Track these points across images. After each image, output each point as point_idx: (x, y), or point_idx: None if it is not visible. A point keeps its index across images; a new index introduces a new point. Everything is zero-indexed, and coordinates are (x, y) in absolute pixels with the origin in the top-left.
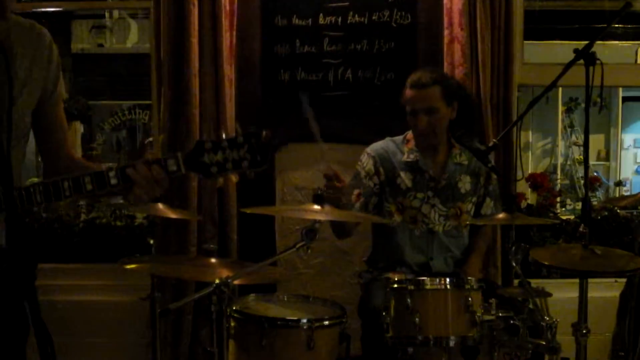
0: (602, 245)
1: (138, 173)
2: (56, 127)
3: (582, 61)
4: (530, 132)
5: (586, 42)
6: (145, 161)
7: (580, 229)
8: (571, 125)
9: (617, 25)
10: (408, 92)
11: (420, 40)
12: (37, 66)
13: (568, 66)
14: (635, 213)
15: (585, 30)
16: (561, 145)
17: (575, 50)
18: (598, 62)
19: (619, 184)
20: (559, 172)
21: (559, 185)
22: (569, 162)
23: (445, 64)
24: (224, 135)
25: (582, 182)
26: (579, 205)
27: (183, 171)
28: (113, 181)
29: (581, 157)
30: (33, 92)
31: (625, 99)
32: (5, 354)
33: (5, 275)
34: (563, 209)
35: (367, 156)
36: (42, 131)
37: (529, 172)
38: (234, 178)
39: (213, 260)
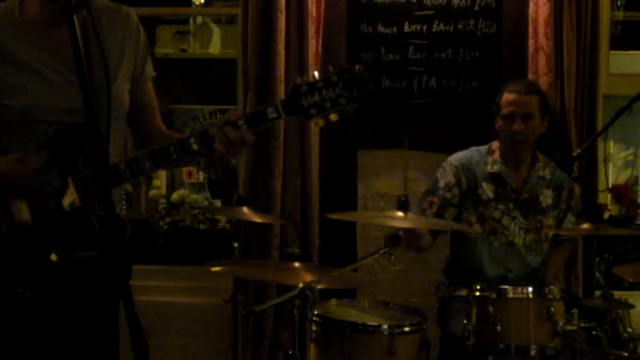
0: None
1: (220, 135)
2: (145, 105)
3: None
4: (611, 143)
5: None
6: (228, 121)
7: None
8: None
9: None
10: (507, 96)
11: (505, 50)
12: (129, 46)
13: None
14: None
15: None
16: None
17: None
18: None
19: None
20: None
21: None
22: None
23: (530, 73)
24: (317, 76)
25: None
26: None
27: (284, 117)
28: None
29: None
30: (128, 72)
31: None
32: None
33: (102, 273)
34: None
35: (450, 166)
36: (132, 109)
37: (611, 183)
38: (333, 118)
39: (296, 264)
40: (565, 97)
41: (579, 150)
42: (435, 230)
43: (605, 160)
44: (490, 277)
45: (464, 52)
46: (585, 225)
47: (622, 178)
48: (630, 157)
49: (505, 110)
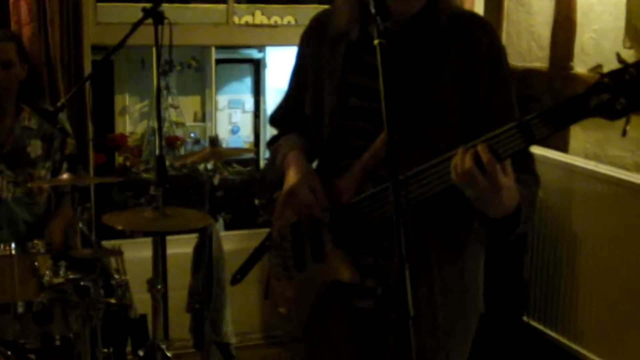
0: (182, 203)
1: None
2: None
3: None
4: (127, 96)
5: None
6: None
7: (151, 192)
8: (167, 88)
9: None
10: None
11: None
12: None
13: (136, 25)
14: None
15: None
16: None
17: (143, 9)
18: (167, 21)
19: (214, 143)
20: (156, 134)
21: (156, 147)
22: (166, 124)
23: (12, 22)
24: None
25: (179, 143)
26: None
27: None
28: None
29: (178, 118)
30: None
31: (218, 61)
32: None
33: None
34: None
35: None
36: None
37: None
38: None
39: None
40: (50, 47)
41: (62, 101)
42: None
43: (91, 110)
44: None
45: None
46: (65, 176)
47: (140, 129)
48: (146, 109)
49: None
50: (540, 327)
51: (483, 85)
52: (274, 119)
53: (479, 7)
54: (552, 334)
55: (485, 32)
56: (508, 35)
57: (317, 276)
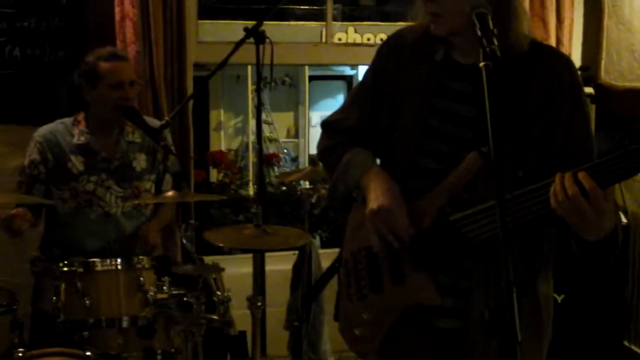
0: (279, 219)
1: None
2: None
3: (253, 40)
4: (222, 111)
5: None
6: None
7: (253, 210)
8: (261, 104)
9: (299, 7)
10: (108, 65)
11: (89, 17)
12: None
13: (238, 44)
14: (307, 187)
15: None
16: (252, 123)
17: (245, 29)
18: (268, 40)
19: (314, 162)
20: (250, 150)
21: (250, 163)
22: None
23: (118, 41)
24: None
25: (275, 160)
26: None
27: None
28: None
29: (271, 134)
30: None
31: (311, 78)
32: None
33: None
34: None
35: (34, 143)
36: None
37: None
38: None
39: None
40: (154, 65)
41: (166, 119)
42: (37, 210)
43: (191, 127)
44: (90, 252)
45: (48, 20)
46: (170, 193)
47: (234, 145)
48: (240, 125)
49: (112, 80)
50: None
51: (564, 117)
52: (330, 126)
53: (578, 26)
54: None
55: (567, 64)
56: (608, 54)
57: (396, 298)
